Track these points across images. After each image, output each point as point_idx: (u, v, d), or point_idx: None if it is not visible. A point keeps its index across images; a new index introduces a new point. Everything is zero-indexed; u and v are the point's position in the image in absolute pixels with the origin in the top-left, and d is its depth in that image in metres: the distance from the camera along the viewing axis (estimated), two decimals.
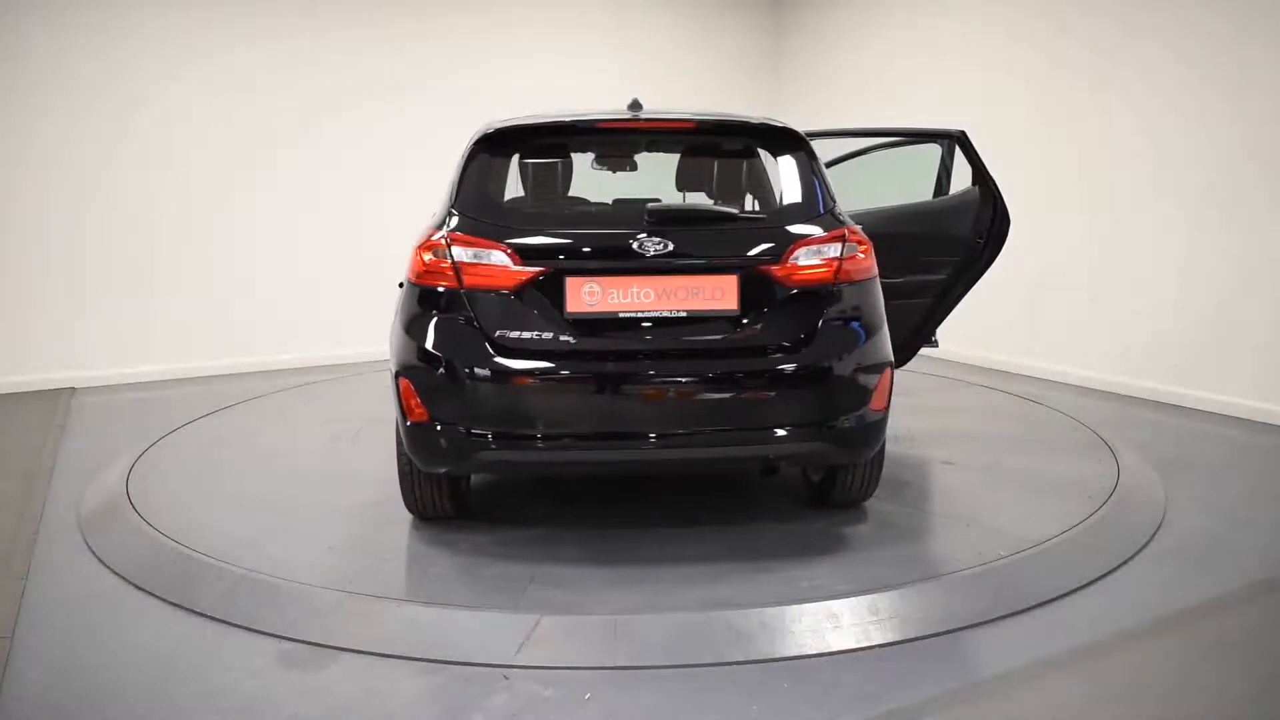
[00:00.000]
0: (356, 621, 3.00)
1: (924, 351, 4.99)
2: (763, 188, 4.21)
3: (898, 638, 2.93)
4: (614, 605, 3.07)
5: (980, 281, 4.59)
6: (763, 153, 3.97)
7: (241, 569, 3.30)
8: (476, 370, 3.22)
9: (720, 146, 4.04)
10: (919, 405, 5.80)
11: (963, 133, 4.51)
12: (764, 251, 3.35)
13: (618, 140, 4.07)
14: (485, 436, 3.23)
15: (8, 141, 6.38)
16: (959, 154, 4.60)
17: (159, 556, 3.48)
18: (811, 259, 3.36)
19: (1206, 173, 5.83)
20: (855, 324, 3.41)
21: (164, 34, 6.77)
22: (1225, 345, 5.80)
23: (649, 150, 4.21)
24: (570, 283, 3.25)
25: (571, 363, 3.24)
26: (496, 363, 3.22)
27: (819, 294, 3.35)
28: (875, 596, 3.07)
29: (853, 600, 3.05)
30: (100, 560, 3.55)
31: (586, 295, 3.25)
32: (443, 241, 3.32)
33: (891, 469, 4.38)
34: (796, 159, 3.65)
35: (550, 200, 3.88)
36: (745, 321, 3.31)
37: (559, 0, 8.31)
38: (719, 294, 3.29)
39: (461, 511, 3.83)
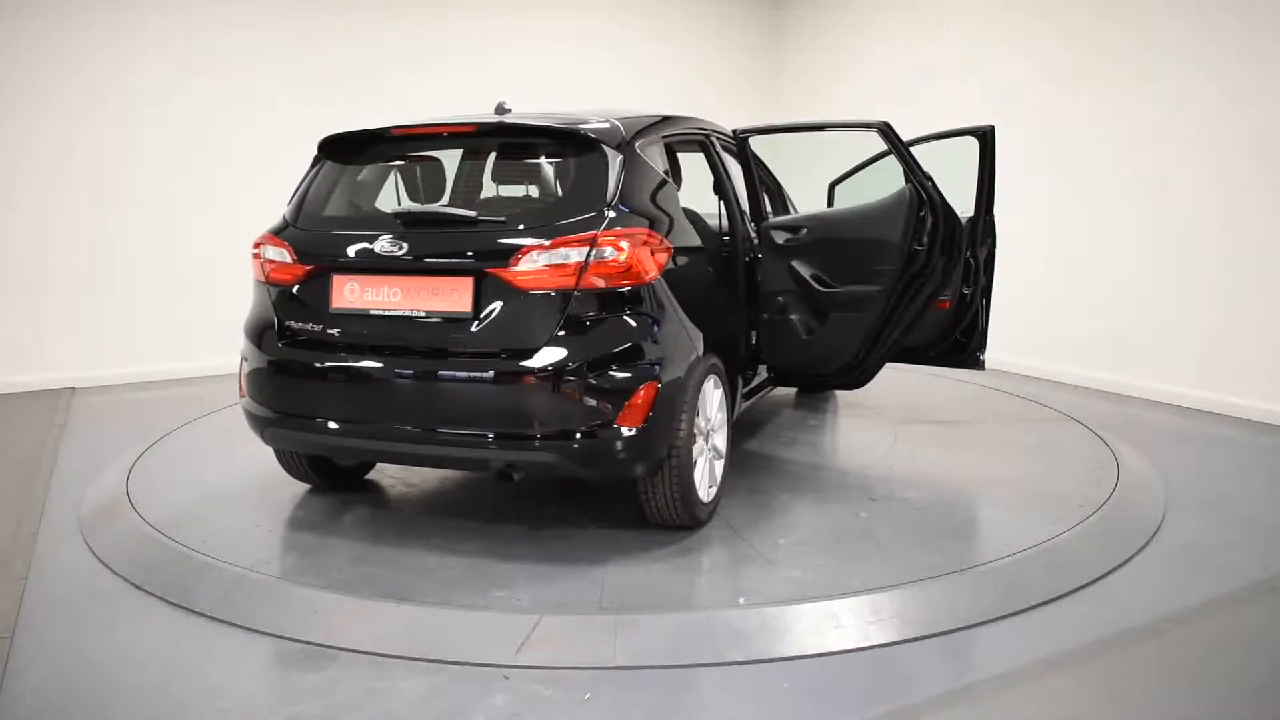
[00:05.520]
0: (356, 621, 3.01)
1: (982, 373, 4.45)
2: (546, 189, 4.05)
3: (898, 638, 2.93)
4: (323, 579, 3.25)
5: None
6: (561, 153, 3.75)
7: (241, 569, 3.31)
8: (267, 357, 3.60)
9: (515, 149, 3.97)
10: (947, 437, 5.16)
11: (886, 124, 4.07)
12: (499, 254, 3.30)
13: (421, 145, 3.96)
14: (273, 417, 3.58)
15: (8, 143, 6.38)
16: (964, 152, 4.25)
17: (159, 556, 3.48)
18: (548, 263, 3.25)
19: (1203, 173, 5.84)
20: (599, 333, 3.28)
21: (171, 35, 6.78)
22: None
23: (451, 153, 4.08)
24: (336, 280, 3.52)
25: (332, 354, 3.49)
26: (280, 350, 3.57)
27: (558, 299, 3.25)
28: (875, 596, 3.08)
29: (853, 600, 3.05)
30: (100, 560, 3.55)
31: (348, 292, 3.50)
32: (259, 241, 3.73)
33: (804, 496, 4.09)
34: (584, 161, 3.53)
35: (353, 202, 3.89)
36: (478, 324, 3.30)
37: (559, 1, 8.32)
38: (455, 296, 3.34)
39: (334, 484, 4.17)
